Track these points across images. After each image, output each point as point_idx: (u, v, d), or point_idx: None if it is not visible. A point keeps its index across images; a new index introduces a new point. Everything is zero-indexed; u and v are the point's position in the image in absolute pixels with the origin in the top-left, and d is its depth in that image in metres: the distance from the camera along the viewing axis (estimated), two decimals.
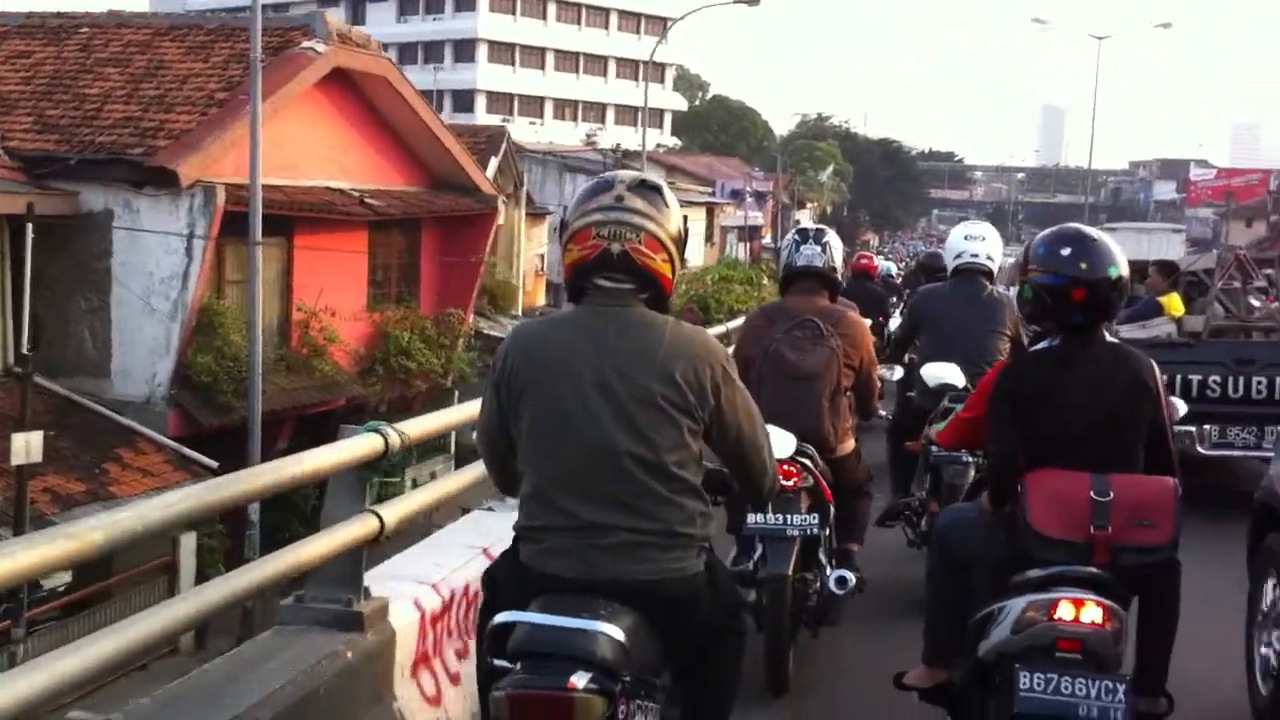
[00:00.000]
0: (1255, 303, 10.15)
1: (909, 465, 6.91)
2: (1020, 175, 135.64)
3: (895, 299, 14.29)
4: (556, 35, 76.87)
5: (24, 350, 14.71)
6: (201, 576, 14.31)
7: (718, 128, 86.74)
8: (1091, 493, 3.61)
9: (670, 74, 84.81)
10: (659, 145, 74.24)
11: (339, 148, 19.36)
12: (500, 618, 2.88)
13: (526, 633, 2.81)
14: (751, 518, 5.02)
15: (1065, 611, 3.48)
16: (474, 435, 3.47)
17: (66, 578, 13.98)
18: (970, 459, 5.60)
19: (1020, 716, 3.46)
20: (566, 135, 66.96)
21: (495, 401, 3.11)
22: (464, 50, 74.19)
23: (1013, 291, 5.40)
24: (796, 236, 5.81)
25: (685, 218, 3.23)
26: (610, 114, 78.79)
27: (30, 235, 14.96)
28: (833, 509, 5.38)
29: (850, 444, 5.61)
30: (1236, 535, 5.18)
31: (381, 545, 4.01)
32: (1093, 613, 3.47)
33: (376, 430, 3.90)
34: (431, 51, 75.06)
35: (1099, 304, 3.77)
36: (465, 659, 4.31)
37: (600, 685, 2.70)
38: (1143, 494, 3.65)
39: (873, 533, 6.14)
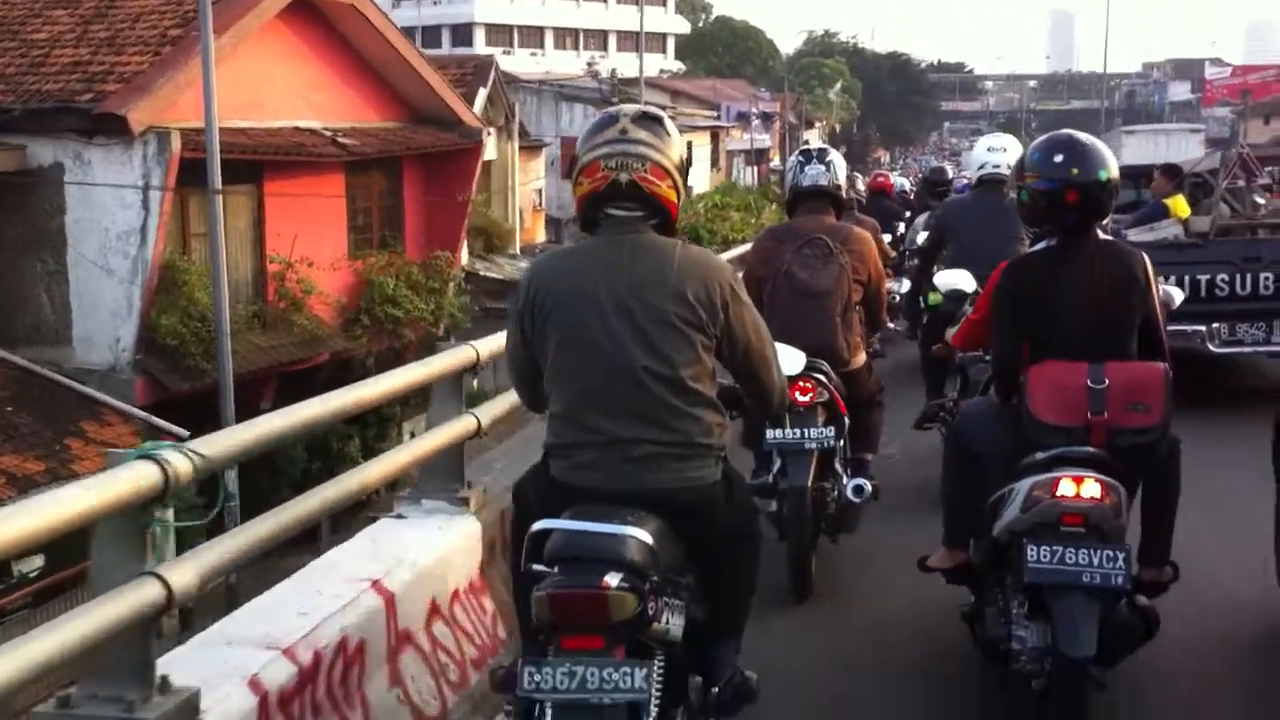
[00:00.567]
0: (1260, 200, 10.06)
1: (940, 370, 7.15)
2: (1032, 83, 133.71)
3: (909, 213, 14.45)
4: None
5: None
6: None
7: (722, 50, 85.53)
8: (1088, 381, 3.87)
9: None
10: (662, 70, 73.12)
11: (309, 84, 18.09)
12: (537, 526, 3.02)
13: (562, 539, 2.95)
14: (770, 433, 5.17)
15: (1067, 488, 3.72)
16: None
17: (38, 562, 13.16)
18: (988, 359, 5.69)
19: (1030, 586, 3.72)
20: (569, 65, 65.57)
21: (519, 331, 3.30)
22: None
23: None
24: (800, 158, 5.98)
25: (690, 144, 3.50)
26: (612, 41, 77.08)
27: None
28: (847, 421, 5.56)
29: (862, 357, 5.78)
30: (1260, 431, 5.16)
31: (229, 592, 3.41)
32: (1092, 488, 3.72)
33: (150, 457, 2.90)
34: None
35: (1091, 205, 4.01)
36: None
37: (631, 584, 2.85)
38: (1135, 380, 3.91)
39: (908, 437, 6.87)
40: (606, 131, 3.22)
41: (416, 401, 21.42)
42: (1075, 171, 3.98)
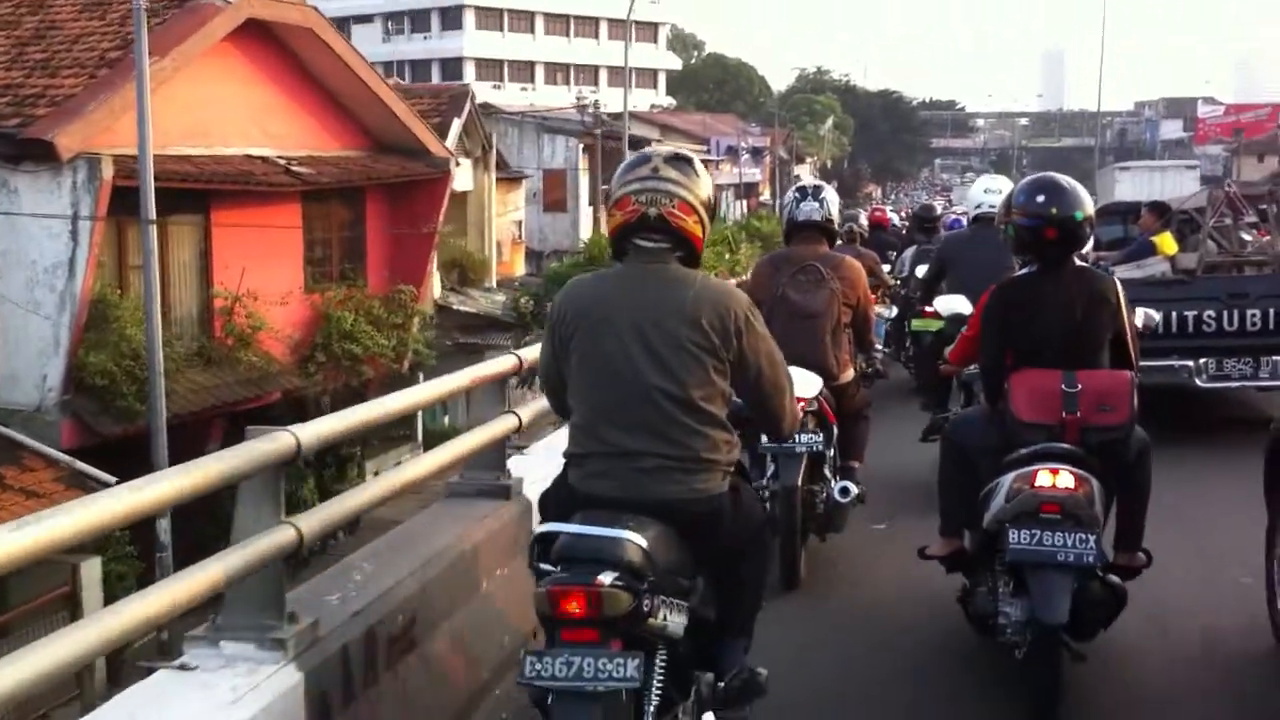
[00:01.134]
0: (1247, 238, 10.16)
1: (943, 387, 7.74)
2: (1023, 121, 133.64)
3: (900, 247, 15.28)
4: None
5: None
6: None
7: (714, 86, 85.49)
8: (1063, 386, 4.40)
9: (664, 33, 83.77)
10: (653, 106, 72.58)
11: (263, 110, 17.23)
12: (542, 528, 3.35)
13: (564, 541, 3.21)
14: (764, 437, 5.42)
15: (1044, 479, 4.23)
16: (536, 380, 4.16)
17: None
18: None
19: (1013, 565, 4.24)
20: (560, 100, 65.30)
21: (550, 345, 3.60)
22: (451, 17, 73.39)
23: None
24: (796, 194, 6.51)
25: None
26: (603, 76, 76.70)
27: None
28: (835, 430, 6.07)
29: (850, 373, 6.26)
30: (1251, 463, 5.26)
31: None
32: (1066, 479, 4.23)
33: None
34: (418, 20, 74.01)
35: (1068, 239, 4.59)
36: None
37: (626, 583, 3.07)
38: (1104, 385, 4.44)
39: (908, 451, 7.73)
40: (639, 169, 3.47)
41: (377, 442, 20.62)
42: (1054, 210, 4.55)
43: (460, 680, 4.43)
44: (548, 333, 3.60)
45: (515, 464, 5.53)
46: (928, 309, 8.42)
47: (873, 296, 6.75)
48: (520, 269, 32.35)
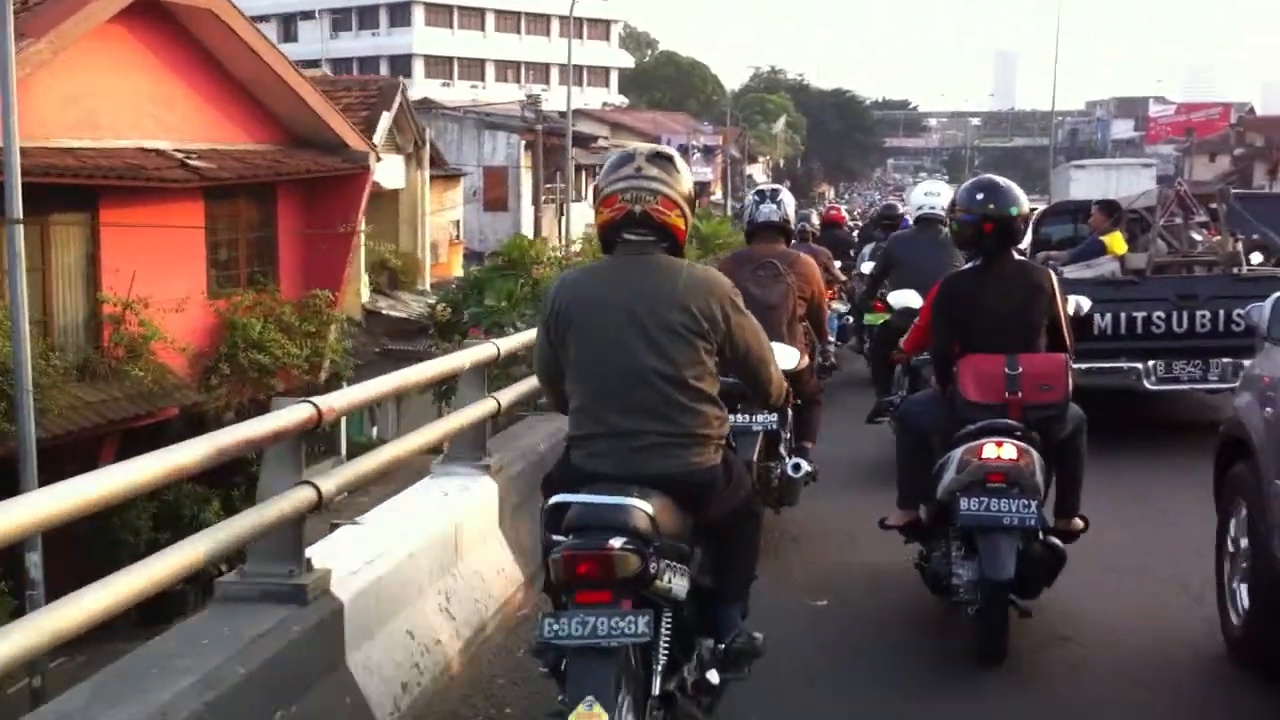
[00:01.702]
0: (1197, 238, 10.00)
1: (887, 374, 8.34)
2: (975, 121, 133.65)
3: (857, 244, 15.73)
4: None
5: None
6: None
7: (667, 85, 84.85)
8: (1005, 369, 4.97)
9: (616, 31, 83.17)
10: (605, 104, 71.67)
11: (159, 100, 15.83)
12: (555, 499, 3.53)
13: (576, 510, 3.42)
14: None
15: (989, 451, 4.78)
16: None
17: None
18: None
19: (963, 530, 4.82)
20: (510, 98, 64.41)
21: (546, 335, 3.80)
22: (399, 14, 72.66)
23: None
24: (756, 196, 7.13)
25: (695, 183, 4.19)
26: (554, 74, 75.76)
27: None
28: (790, 413, 6.53)
29: (805, 361, 6.64)
30: (1199, 468, 5.48)
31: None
32: (1010, 451, 4.78)
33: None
34: (366, 17, 72.91)
35: (1005, 234, 5.17)
36: None
37: (634, 547, 3.28)
38: (1042, 367, 5.01)
39: (861, 437, 8.44)
40: (624, 169, 3.71)
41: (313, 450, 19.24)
42: (991, 207, 5.08)
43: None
44: (542, 326, 3.82)
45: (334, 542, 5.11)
46: (878, 303, 8.99)
47: (829, 291, 7.24)
48: (458, 270, 30.87)
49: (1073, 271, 9.57)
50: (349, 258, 18.86)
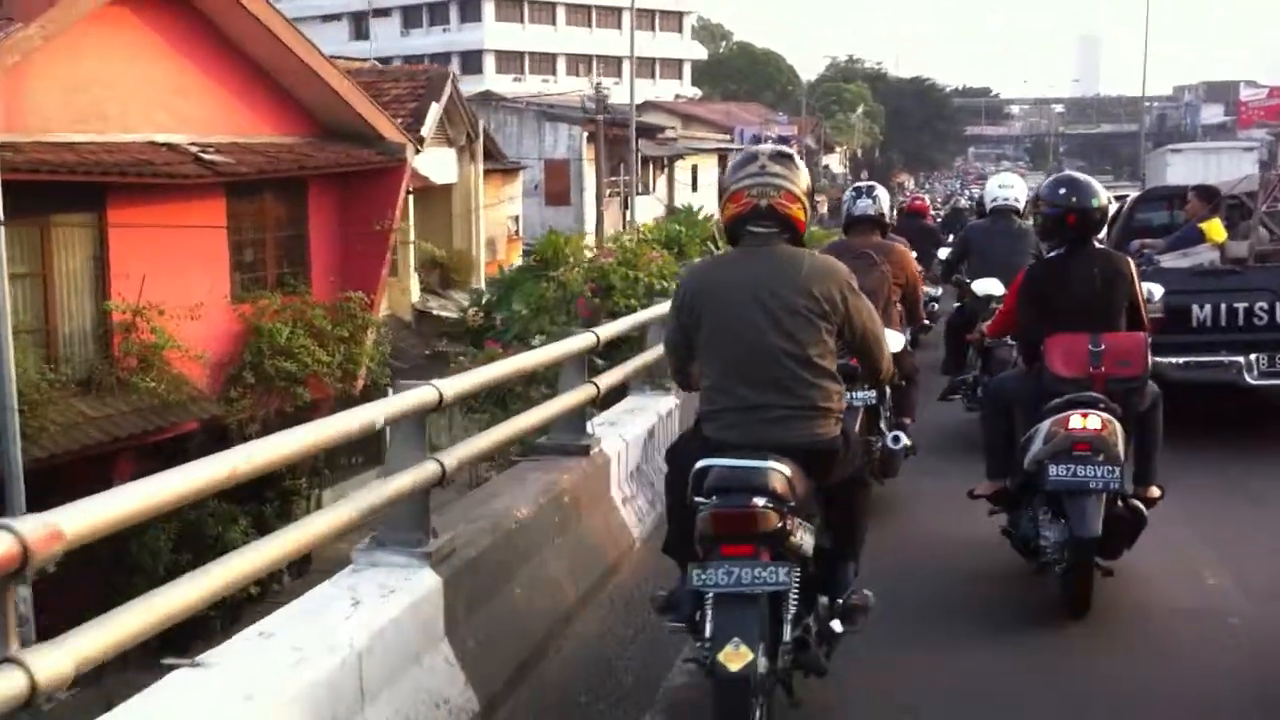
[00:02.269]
0: None
1: (962, 355, 8.93)
2: (1059, 107, 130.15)
3: (938, 234, 15.64)
4: None
5: None
6: None
7: (741, 76, 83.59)
8: (1089, 346, 5.35)
9: (689, 22, 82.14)
10: (677, 95, 70.53)
11: (175, 90, 14.72)
12: (699, 464, 3.84)
13: (719, 473, 3.76)
14: None
15: (1075, 421, 5.12)
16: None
17: None
18: (1012, 343, 6.67)
19: (1051, 495, 5.15)
20: (583, 92, 63.58)
21: (677, 320, 4.21)
22: (470, 9, 72.06)
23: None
24: (853, 192, 7.68)
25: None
26: (626, 67, 74.87)
27: None
28: (888, 390, 6.90)
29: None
30: None
31: None
32: (1094, 421, 5.11)
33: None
34: (437, 12, 72.43)
35: (1086, 224, 5.59)
36: None
37: (774, 505, 3.66)
38: (1123, 344, 5.41)
39: (937, 415, 9.04)
40: (749, 167, 4.07)
41: (328, 471, 18.12)
42: (1074, 200, 5.58)
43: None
44: (673, 314, 4.26)
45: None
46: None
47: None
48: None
49: (1169, 260, 9.29)
50: (385, 257, 17.60)
